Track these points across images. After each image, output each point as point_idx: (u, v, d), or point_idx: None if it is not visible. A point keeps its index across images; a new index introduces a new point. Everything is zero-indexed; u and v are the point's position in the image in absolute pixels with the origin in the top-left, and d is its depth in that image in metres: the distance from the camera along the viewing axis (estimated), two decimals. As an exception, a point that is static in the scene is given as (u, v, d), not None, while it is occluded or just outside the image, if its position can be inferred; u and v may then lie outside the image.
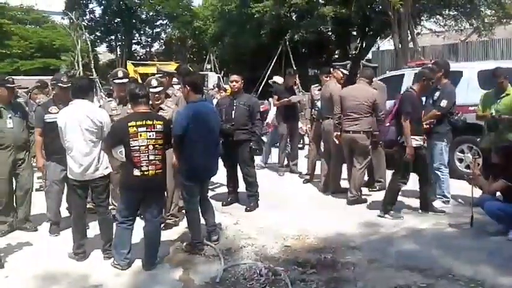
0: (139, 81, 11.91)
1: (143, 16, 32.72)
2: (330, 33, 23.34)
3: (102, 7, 31.29)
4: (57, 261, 4.05)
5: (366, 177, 6.22)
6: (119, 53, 30.63)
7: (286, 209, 5.57)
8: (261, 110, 6.96)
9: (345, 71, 6.35)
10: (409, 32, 16.32)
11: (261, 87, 19.25)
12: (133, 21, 31.89)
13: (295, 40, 20.24)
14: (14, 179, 4.84)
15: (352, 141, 5.73)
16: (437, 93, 5.49)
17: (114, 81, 5.10)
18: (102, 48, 33.06)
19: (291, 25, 20.14)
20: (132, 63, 18.99)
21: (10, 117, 4.74)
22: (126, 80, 5.11)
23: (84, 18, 30.53)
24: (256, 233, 4.71)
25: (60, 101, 4.64)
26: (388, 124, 5.21)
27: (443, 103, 5.36)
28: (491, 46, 16.90)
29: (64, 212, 4.97)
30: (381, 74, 9.91)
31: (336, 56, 22.90)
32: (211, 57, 24.99)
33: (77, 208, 4.17)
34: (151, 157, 3.73)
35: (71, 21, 25.73)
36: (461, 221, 4.88)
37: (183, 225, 4.77)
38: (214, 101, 7.84)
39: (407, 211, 5.34)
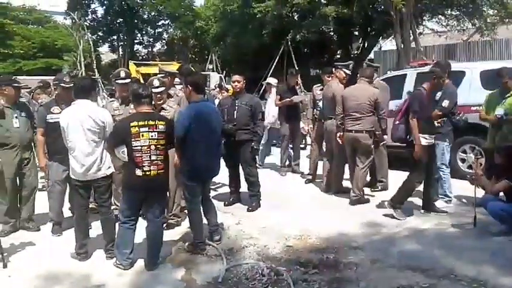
0: (142, 81, 11.93)
1: (145, 16, 32.77)
2: (332, 33, 23.35)
3: (104, 7, 31.37)
4: (59, 261, 4.06)
5: (368, 178, 6.22)
6: (121, 53, 30.63)
7: (288, 209, 5.57)
8: (263, 110, 6.94)
9: (347, 71, 6.34)
10: (411, 32, 16.29)
11: (263, 87, 19.21)
12: (136, 21, 31.93)
13: (297, 40, 20.25)
14: (18, 178, 4.85)
15: (355, 140, 5.73)
16: (439, 94, 5.48)
17: (117, 81, 5.11)
18: (104, 48, 33.17)
19: (293, 25, 20.14)
20: (134, 63, 18.97)
21: (16, 117, 4.75)
22: (128, 80, 5.15)
23: (87, 18, 30.62)
24: (258, 233, 4.71)
25: (63, 101, 4.65)
26: (397, 122, 5.20)
27: (445, 103, 5.34)
28: (496, 45, 16.86)
29: (66, 212, 4.98)
30: (383, 74, 9.91)
31: (338, 56, 22.85)
32: (213, 57, 24.97)
33: (79, 208, 4.17)
34: (154, 157, 3.73)
35: (73, 21, 25.71)
36: (463, 221, 4.88)
37: (185, 225, 4.77)
38: (216, 101, 7.85)
39: (409, 211, 5.33)
